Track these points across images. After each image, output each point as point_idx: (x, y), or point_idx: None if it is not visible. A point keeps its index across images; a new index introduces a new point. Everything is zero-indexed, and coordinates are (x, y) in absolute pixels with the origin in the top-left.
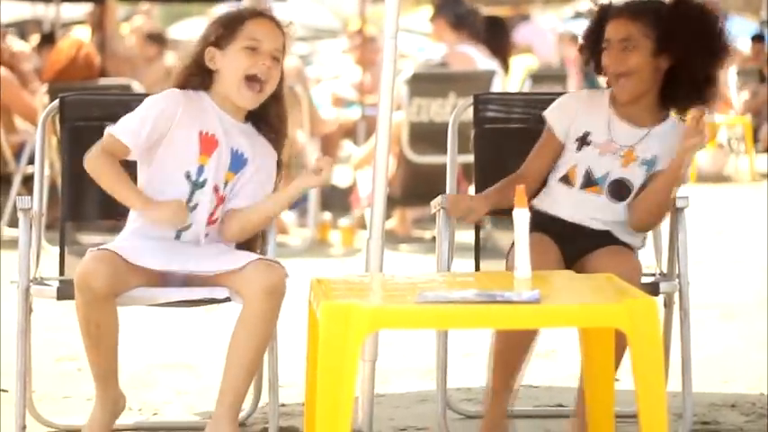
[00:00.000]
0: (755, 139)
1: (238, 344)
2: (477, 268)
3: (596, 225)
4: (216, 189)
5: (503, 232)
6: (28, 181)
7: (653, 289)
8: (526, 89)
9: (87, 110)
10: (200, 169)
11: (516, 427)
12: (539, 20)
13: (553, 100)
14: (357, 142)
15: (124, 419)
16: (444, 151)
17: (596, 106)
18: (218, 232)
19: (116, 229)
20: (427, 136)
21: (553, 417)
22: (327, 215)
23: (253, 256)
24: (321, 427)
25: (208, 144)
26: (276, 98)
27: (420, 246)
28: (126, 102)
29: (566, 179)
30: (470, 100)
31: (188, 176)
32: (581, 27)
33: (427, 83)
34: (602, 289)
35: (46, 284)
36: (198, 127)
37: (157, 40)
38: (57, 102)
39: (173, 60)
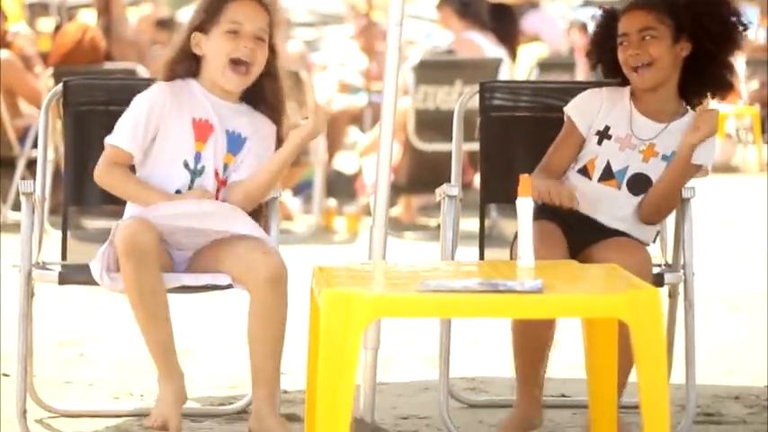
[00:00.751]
0: (764, 130)
1: (256, 337)
2: (482, 257)
3: (613, 224)
4: (216, 173)
5: (508, 221)
6: (32, 165)
7: (658, 280)
8: (534, 78)
9: (91, 94)
10: (198, 156)
11: (546, 417)
12: (548, 8)
13: (559, 89)
14: (363, 129)
15: (125, 405)
16: (450, 139)
17: (617, 101)
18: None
19: (119, 214)
20: (433, 123)
21: (557, 407)
22: (332, 202)
23: (254, 232)
24: (322, 414)
25: (202, 130)
26: (270, 75)
27: (425, 233)
28: (130, 86)
29: (584, 170)
30: (476, 88)
31: (186, 165)
32: (590, 15)
33: (434, 70)
34: (605, 279)
35: (48, 269)
36: (189, 115)
37: (167, 26)
38: (60, 85)
39: None
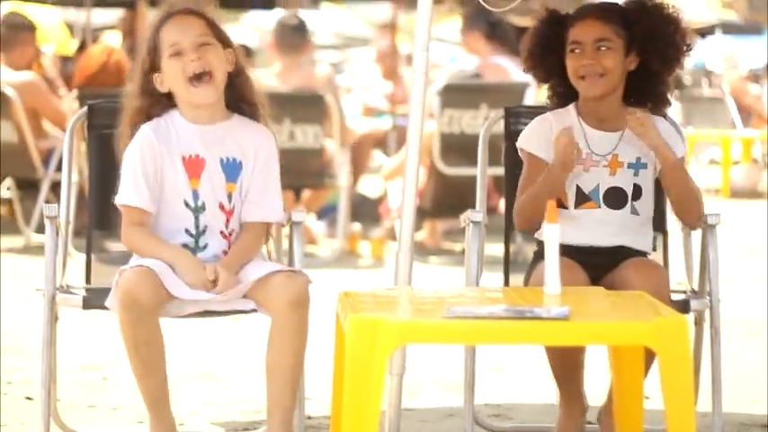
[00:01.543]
0: None
1: (275, 361)
2: (507, 282)
3: (604, 242)
4: (222, 206)
5: (533, 246)
6: (56, 187)
7: (684, 306)
8: None
9: (115, 117)
10: (195, 194)
11: None
12: None
13: None
14: (388, 152)
15: (148, 430)
16: (476, 163)
17: (566, 123)
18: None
19: None
20: (458, 147)
21: None
22: (357, 226)
23: (275, 266)
24: None
25: (193, 167)
26: (236, 73)
27: (449, 258)
28: None
29: (558, 203)
30: (501, 112)
31: (187, 205)
32: None
33: (459, 94)
34: (632, 306)
35: (72, 293)
36: (179, 153)
37: None
38: (85, 108)
39: None
